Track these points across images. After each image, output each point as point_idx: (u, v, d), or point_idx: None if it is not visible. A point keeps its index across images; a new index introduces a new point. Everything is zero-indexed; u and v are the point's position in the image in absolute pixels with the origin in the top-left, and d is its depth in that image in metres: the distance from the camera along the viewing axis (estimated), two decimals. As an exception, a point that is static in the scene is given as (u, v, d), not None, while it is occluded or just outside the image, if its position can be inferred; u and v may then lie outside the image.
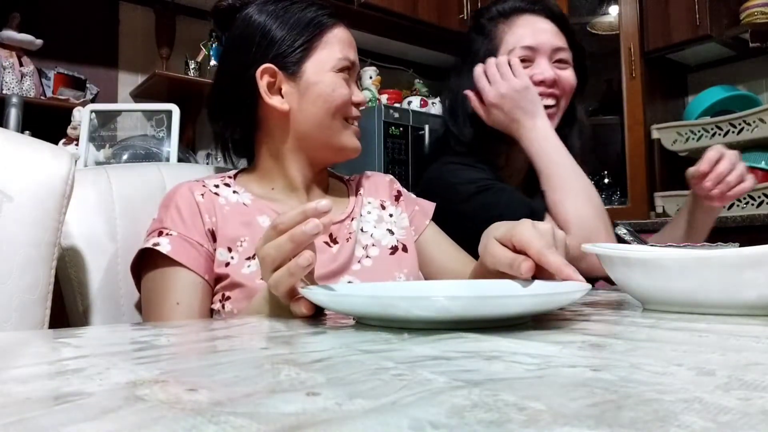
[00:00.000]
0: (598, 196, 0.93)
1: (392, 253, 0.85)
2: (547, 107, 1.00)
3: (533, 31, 1.03)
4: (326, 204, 0.51)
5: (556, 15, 1.06)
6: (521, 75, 0.98)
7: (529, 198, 0.98)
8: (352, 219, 0.86)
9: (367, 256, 0.83)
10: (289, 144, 0.84)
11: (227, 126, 0.88)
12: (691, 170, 0.99)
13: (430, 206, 0.96)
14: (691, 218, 1.07)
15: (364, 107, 0.89)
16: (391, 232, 0.87)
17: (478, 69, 1.01)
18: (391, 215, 0.91)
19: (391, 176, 0.99)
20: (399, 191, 0.95)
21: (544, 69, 1.01)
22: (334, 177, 0.97)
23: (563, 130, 1.04)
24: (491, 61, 1.00)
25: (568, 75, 1.03)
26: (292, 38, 0.83)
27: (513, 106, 0.97)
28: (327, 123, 0.83)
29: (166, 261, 0.73)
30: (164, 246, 0.73)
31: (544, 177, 0.94)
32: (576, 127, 1.09)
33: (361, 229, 0.86)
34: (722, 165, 0.95)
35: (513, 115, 0.97)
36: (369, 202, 0.91)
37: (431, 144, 1.15)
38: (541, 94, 0.99)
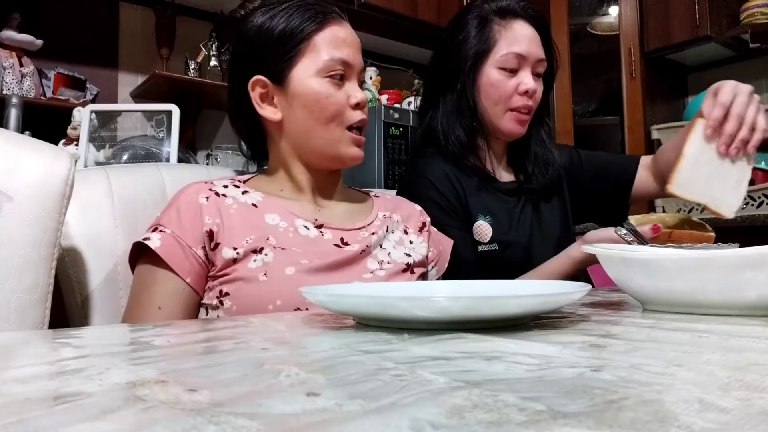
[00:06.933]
0: None
1: (404, 271, 0.85)
2: (521, 120, 1.05)
3: (526, 39, 1.04)
4: None
5: (544, 26, 1.07)
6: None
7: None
8: (373, 233, 0.86)
9: (380, 269, 0.83)
10: (290, 150, 0.86)
11: (239, 131, 0.92)
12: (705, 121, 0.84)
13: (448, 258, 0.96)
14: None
15: (365, 107, 0.86)
16: (408, 255, 0.88)
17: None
18: (411, 242, 0.91)
19: (422, 209, 0.99)
20: (425, 223, 0.96)
21: (528, 81, 1.04)
22: (354, 187, 0.97)
23: (529, 132, 1.09)
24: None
25: (540, 90, 1.07)
26: (278, 48, 0.83)
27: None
28: (320, 132, 0.82)
29: (156, 259, 0.74)
30: (154, 242, 0.74)
31: None
32: (543, 131, 1.15)
33: (381, 246, 0.86)
34: (729, 126, 0.82)
35: None
36: (396, 222, 0.92)
37: (421, 138, 1.18)
38: (521, 107, 1.04)
